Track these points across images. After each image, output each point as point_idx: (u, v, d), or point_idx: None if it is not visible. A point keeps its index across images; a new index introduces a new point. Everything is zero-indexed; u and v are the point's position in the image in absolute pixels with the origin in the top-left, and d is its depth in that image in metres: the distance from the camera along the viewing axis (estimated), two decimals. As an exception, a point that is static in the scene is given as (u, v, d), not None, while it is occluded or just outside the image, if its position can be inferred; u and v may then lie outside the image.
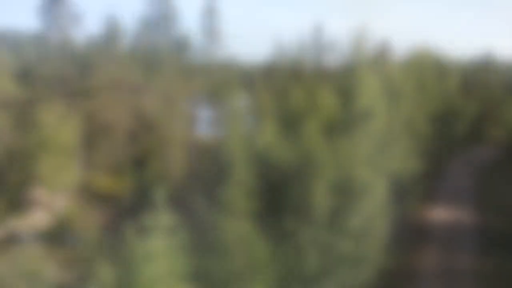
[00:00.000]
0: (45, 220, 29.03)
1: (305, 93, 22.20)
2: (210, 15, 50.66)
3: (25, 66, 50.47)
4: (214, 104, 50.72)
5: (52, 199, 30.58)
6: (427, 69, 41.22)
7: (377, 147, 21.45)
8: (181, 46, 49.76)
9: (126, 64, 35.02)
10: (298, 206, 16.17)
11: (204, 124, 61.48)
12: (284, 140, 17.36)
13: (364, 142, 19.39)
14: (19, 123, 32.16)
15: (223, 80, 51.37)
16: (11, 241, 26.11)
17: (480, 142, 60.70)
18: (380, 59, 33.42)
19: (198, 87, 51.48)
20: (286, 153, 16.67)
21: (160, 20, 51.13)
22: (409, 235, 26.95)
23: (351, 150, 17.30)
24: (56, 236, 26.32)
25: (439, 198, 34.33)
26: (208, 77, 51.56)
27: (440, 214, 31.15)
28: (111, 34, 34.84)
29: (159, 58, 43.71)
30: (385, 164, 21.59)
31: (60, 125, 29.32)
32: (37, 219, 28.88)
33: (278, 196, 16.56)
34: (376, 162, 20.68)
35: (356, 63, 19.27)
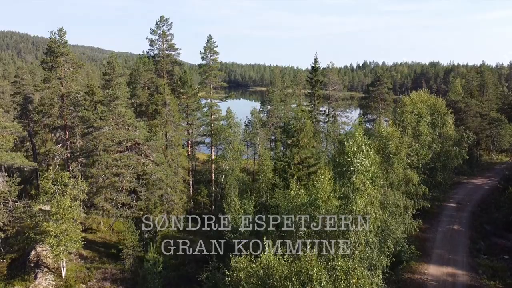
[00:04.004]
0: (51, 285, 29.77)
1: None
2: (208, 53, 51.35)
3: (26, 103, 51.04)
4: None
5: (57, 262, 31.30)
6: (423, 115, 41.94)
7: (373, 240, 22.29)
8: (181, 84, 50.55)
9: (129, 121, 35.60)
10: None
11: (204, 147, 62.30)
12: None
13: (360, 243, 20.30)
14: (25, 190, 32.89)
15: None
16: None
17: (475, 171, 61.57)
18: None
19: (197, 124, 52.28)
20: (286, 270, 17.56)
21: (161, 58, 51.90)
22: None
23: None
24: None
25: (433, 253, 35.16)
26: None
27: (434, 272, 32.02)
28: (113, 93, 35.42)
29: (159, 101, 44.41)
30: (381, 257, 22.53)
31: (65, 190, 29.99)
32: (43, 285, 29.60)
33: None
34: (372, 257, 21.59)
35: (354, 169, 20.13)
